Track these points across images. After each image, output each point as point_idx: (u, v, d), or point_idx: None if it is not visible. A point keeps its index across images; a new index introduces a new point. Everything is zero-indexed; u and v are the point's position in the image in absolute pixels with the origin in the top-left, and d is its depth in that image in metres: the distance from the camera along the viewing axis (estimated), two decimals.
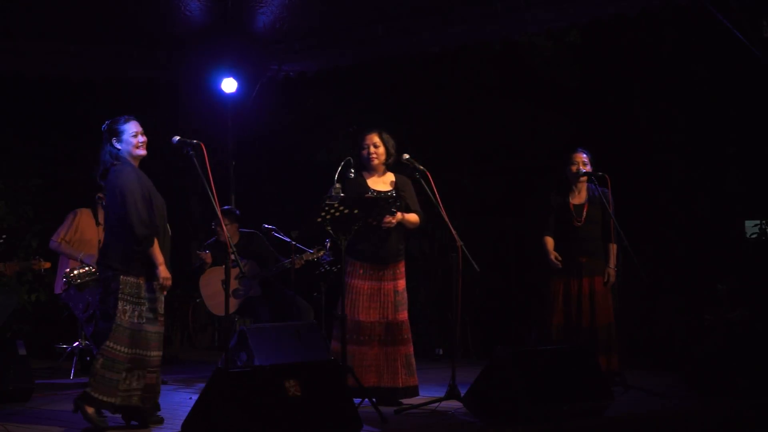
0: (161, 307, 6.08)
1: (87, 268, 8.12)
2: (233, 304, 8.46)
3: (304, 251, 8.37)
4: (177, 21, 9.09)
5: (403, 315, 6.96)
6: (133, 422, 6.09)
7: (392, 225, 6.85)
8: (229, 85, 9.61)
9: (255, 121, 10.22)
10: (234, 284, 8.48)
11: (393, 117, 10.03)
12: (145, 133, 6.15)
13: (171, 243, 6.22)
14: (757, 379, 7.02)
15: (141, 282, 5.98)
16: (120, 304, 5.92)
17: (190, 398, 6.81)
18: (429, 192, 6.67)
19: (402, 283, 7.01)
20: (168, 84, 9.91)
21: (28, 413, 6.62)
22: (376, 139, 7.01)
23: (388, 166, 7.05)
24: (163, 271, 6.01)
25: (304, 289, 8.82)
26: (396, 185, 7.02)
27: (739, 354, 7.18)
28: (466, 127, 9.92)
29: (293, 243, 8.41)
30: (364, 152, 7.01)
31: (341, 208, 6.47)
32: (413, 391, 6.92)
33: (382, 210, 6.75)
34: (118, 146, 6.07)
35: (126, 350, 5.92)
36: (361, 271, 6.87)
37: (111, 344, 5.90)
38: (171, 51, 9.49)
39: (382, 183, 7.00)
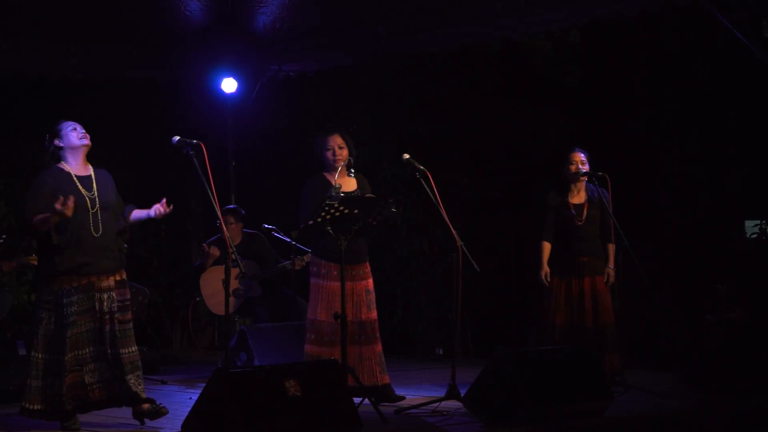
0: (84, 308, 6.01)
1: None
2: (233, 304, 8.46)
3: (305, 252, 8.37)
4: (177, 21, 9.10)
5: (374, 313, 6.96)
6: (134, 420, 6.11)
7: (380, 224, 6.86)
8: (229, 85, 9.62)
9: (255, 121, 10.21)
10: (234, 284, 8.47)
11: (393, 117, 10.04)
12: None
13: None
14: (757, 379, 7.02)
15: (56, 288, 5.97)
16: (41, 312, 5.98)
17: (190, 398, 6.81)
18: (429, 192, 6.66)
19: (371, 282, 7.00)
20: (168, 84, 9.91)
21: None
22: (340, 140, 6.93)
23: (349, 167, 6.94)
24: (61, 206, 5.84)
25: (304, 289, 8.81)
26: (359, 185, 6.98)
27: (739, 354, 7.18)
28: (466, 127, 9.90)
29: (293, 243, 8.41)
30: (329, 153, 6.93)
31: (341, 208, 6.45)
32: (390, 389, 6.90)
33: (382, 210, 6.74)
34: (61, 144, 6.08)
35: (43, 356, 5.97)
36: (335, 273, 6.79)
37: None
38: (171, 51, 9.49)
39: (346, 184, 6.93)
